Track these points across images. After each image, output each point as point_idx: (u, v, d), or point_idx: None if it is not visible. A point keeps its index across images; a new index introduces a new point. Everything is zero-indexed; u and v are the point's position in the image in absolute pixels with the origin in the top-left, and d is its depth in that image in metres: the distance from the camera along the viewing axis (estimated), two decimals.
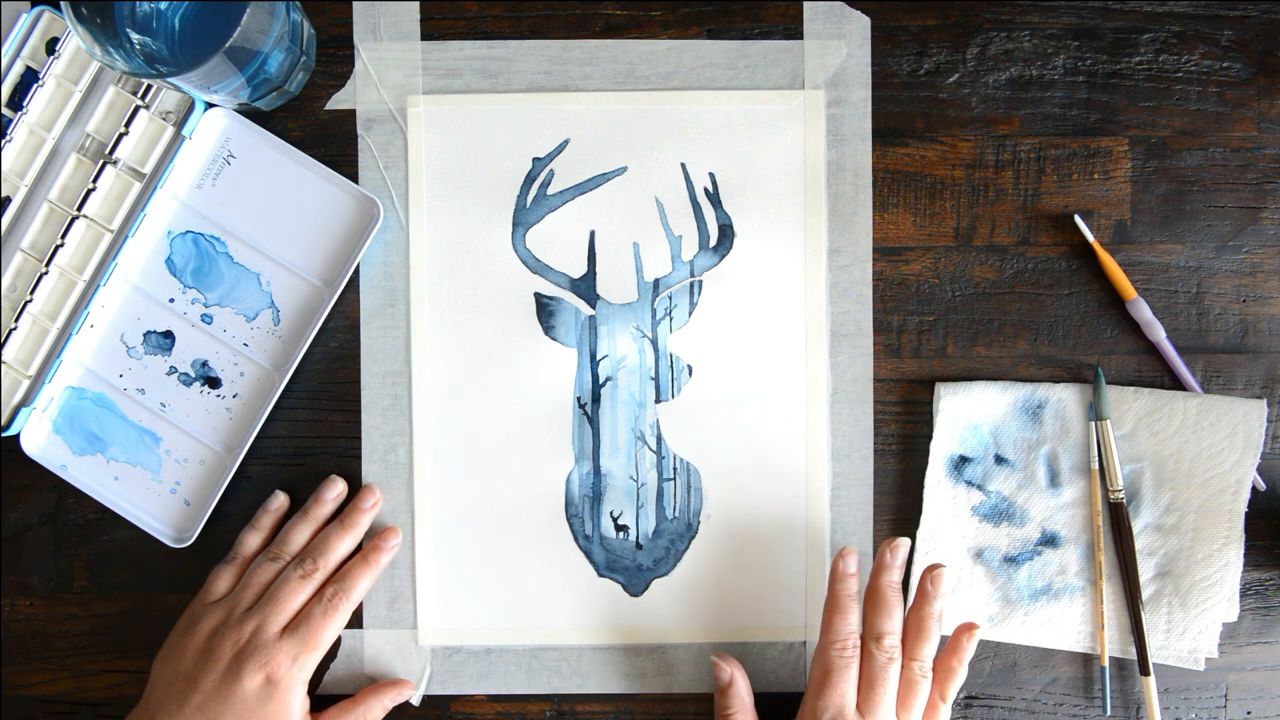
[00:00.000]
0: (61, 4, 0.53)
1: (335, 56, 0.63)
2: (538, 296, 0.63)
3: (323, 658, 0.61)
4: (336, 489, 0.62)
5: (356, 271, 0.62)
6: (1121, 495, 0.62)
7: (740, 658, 0.63)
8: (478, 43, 0.63)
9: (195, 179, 0.62)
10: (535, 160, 0.63)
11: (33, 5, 0.61)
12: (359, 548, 0.62)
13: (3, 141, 0.60)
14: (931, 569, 0.59)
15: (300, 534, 0.61)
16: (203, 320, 0.62)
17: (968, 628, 0.59)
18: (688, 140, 0.63)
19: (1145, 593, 0.63)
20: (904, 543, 0.59)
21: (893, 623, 0.57)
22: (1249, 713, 0.63)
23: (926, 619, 0.58)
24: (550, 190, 0.63)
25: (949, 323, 0.63)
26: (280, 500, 0.62)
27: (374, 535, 0.62)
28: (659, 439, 0.63)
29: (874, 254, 0.63)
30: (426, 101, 0.63)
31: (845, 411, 0.63)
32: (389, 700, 0.61)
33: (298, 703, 0.58)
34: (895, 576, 0.58)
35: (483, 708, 0.63)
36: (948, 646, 0.59)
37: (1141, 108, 0.63)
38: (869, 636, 0.57)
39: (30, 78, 0.61)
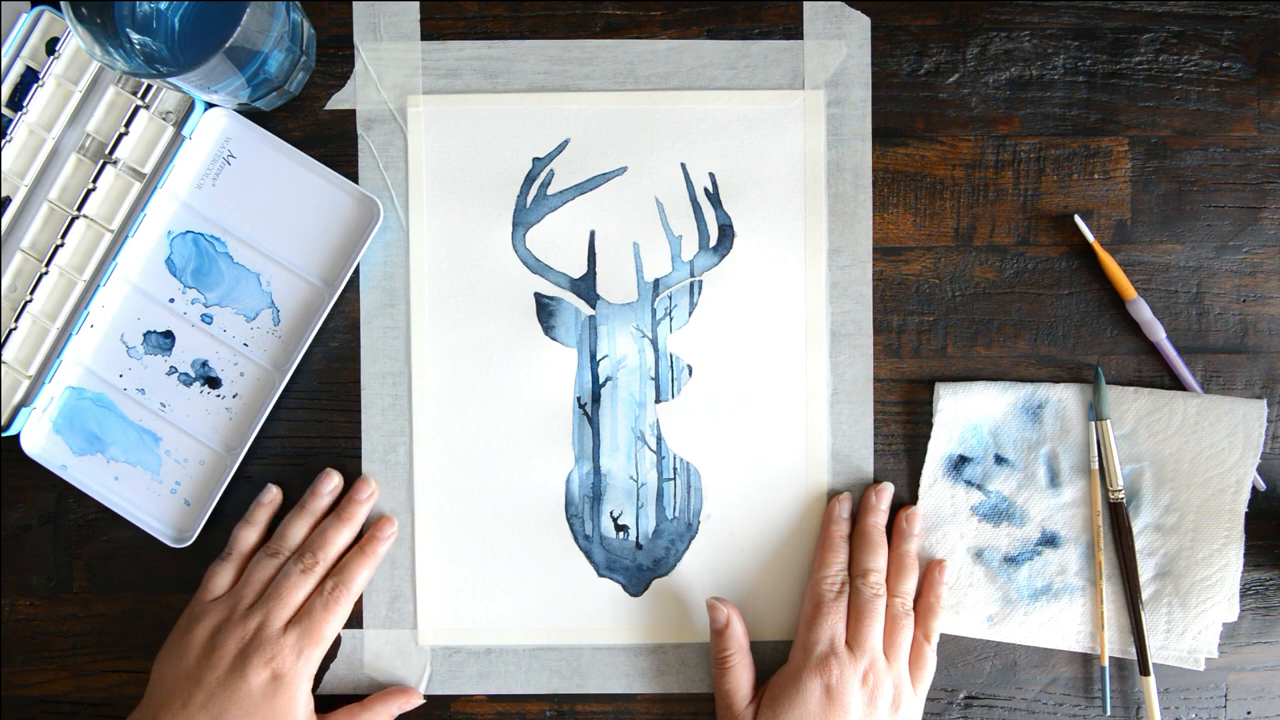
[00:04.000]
0: (61, 4, 0.53)
1: (335, 56, 0.63)
2: (538, 296, 0.63)
3: (325, 655, 0.61)
4: (332, 482, 0.62)
5: (356, 271, 0.63)
6: (1121, 495, 0.62)
7: None
8: (478, 43, 0.63)
9: (195, 179, 0.62)
10: (535, 160, 0.63)
11: (33, 5, 0.61)
12: (357, 539, 0.62)
13: (3, 141, 0.60)
14: (905, 508, 0.62)
15: (298, 529, 0.61)
16: (203, 320, 0.62)
17: (938, 563, 0.62)
18: (688, 140, 0.63)
19: (1145, 593, 0.63)
20: (888, 486, 0.62)
21: (878, 560, 0.61)
22: (1249, 713, 0.63)
23: (905, 555, 0.61)
24: (550, 190, 0.63)
25: (949, 323, 0.63)
26: (273, 494, 0.62)
27: (370, 526, 0.62)
28: (659, 439, 0.63)
29: (874, 254, 0.63)
30: (426, 101, 0.63)
31: (845, 411, 0.63)
32: (396, 708, 0.62)
33: (303, 697, 0.58)
34: (880, 519, 0.62)
35: (483, 708, 0.63)
36: (924, 584, 0.62)
37: (1141, 108, 0.63)
38: (855, 573, 0.61)
39: (30, 78, 0.61)
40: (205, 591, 0.60)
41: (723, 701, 0.60)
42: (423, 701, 0.62)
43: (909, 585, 0.61)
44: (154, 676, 0.58)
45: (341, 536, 0.61)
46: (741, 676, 0.60)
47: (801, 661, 0.59)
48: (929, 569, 0.62)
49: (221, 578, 0.60)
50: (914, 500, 0.63)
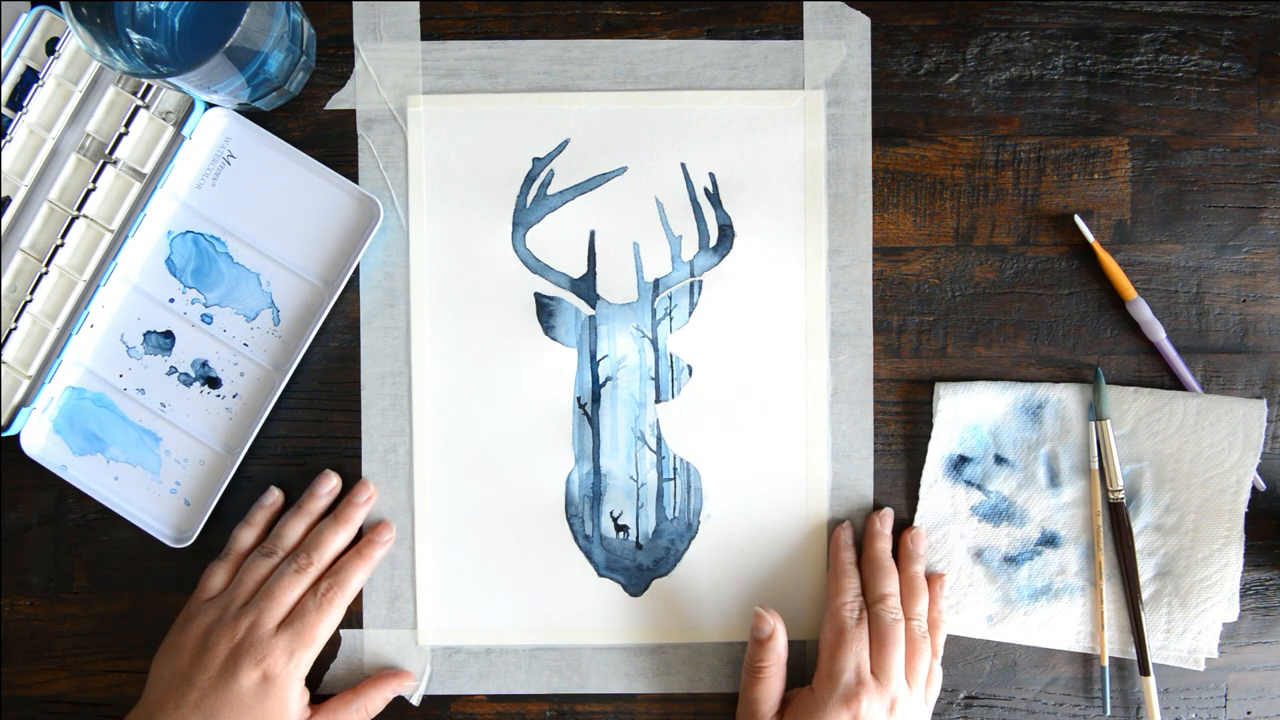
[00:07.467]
0: (61, 4, 0.53)
1: (335, 56, 0.63)
2: (538, 296, 0.63)
3: (322, 656, 0.61)
4: (330, 484, 0.62)
5: (356, 271, 0.63)
6: (1121, 495, 0.62)
7: (741, 658, 0.63)
8: (478, 43, 0.63)
9: (195, 179, 0.62)
10: (535, 160, 0.63)
11: (33, 5, 0.61)
12: (355, 542, 0.62)
13: (3, 141, 0.60)
14: (908, 530, 0.63)
15: (294, 529, 0.61)
16: (203, 320, 0.62)
17: (938, 576, 0.62)
18: (688, 140, 0.63)
19: (1145, 593, 0.63)
20: (890, 511, 0.63)
21: (892, 584, 0.60)
22: (1249, 713, 0.63)
23: (915, 577, 0.61)
24: (550, 190, 0.63)
25: (949, 323, 0.63)
26: (274, 496, 0.62)
27: (368, 530, 0.62)
28: (659, 439, 0.63)
29: (874, 254, 0.63)
30: (426, 101, 0.63)
31: (845, 411, 0.63)
32: (389, 691, 0.62)
33: (295, 698, 0.58)
34: (887, 544, 0.62)
35: (483, 708, 0.63)
36: (930, 599, 0.62)
37: (1141, 108, 0.63)
38: (873, 599, 0.60)
39: (30, 78, 0.61)
40: (201, 591, 0.60)
41: (747, 709, 0.59)
42: (414, 684, 0.62)
43: (922, 607, 0.60)
44: (151, 676, 0.58)
45: (337, 539, 0.61)
46: (773, 688, 0.59)
47: (827, 692, 0.58)
48: (931, 583, 0.62)
49: (217, 578, 0.60)
50: (915, 500, 0.63)
